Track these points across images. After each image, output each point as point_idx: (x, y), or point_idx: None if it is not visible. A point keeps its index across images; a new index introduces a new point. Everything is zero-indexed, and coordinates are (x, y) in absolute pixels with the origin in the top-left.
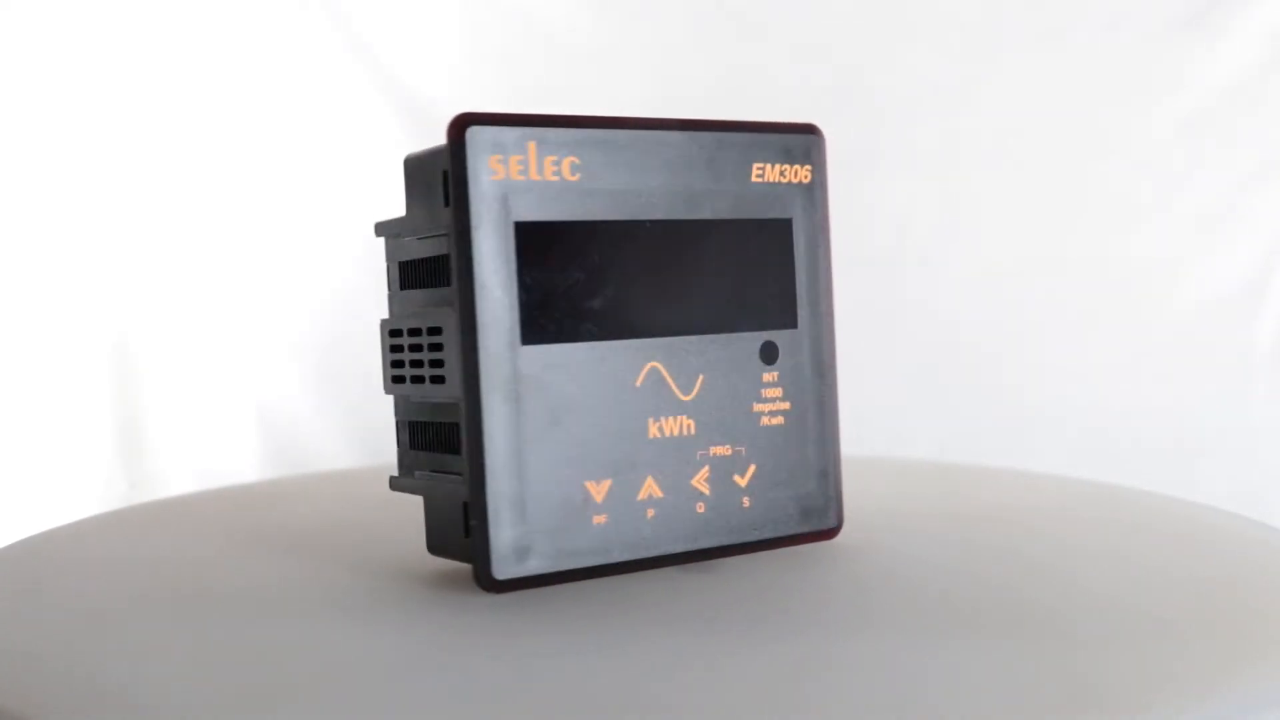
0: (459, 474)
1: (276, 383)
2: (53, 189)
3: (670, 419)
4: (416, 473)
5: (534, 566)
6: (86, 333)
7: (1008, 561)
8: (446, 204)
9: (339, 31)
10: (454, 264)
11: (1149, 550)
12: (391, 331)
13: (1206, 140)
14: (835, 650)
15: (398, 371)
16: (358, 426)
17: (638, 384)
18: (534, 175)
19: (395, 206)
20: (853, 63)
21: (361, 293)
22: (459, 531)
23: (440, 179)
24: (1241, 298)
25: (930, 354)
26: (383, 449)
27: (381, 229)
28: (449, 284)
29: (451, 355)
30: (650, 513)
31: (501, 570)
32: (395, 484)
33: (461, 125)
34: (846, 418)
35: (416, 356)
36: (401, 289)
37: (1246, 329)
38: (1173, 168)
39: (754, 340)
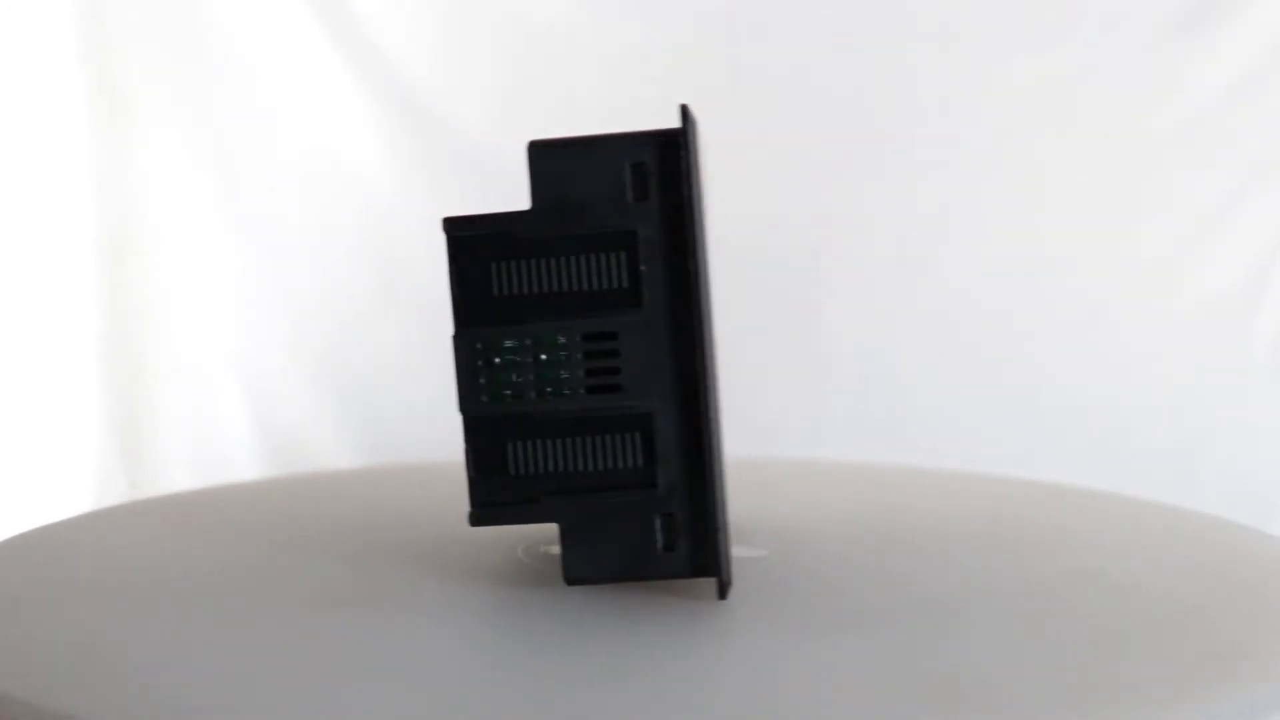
0: (649, 486)
1: (276, 383)
2: (56, 188)
3: None
4: (544, 498)
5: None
6: (87, 332)
7: (1006, 569)
8: (642, 198)
9: (339, 32)
10: (669, 262)
11: (1132, 558)
12: (493, 345)
13: (1206, 141)
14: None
15: (502, 388)
16: (358, 426)
17: None
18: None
19: (398, 206)
20: (852, 63)
21: (361, 291)
22: (646, 548)
23: (630, 169)
24: (1241, 298)
25: (929, 355)
26: (381, 449)
27: (463, 225)
28: (621, 285)
29: (647, 361)
30: None
31: (732, 576)
32: (487, 517)
33: (690, 115)
34: (847, 419)
35: (559, 367)
36: (514, 295)
37: (1246, 329)
38: (1172, 168)
39: None
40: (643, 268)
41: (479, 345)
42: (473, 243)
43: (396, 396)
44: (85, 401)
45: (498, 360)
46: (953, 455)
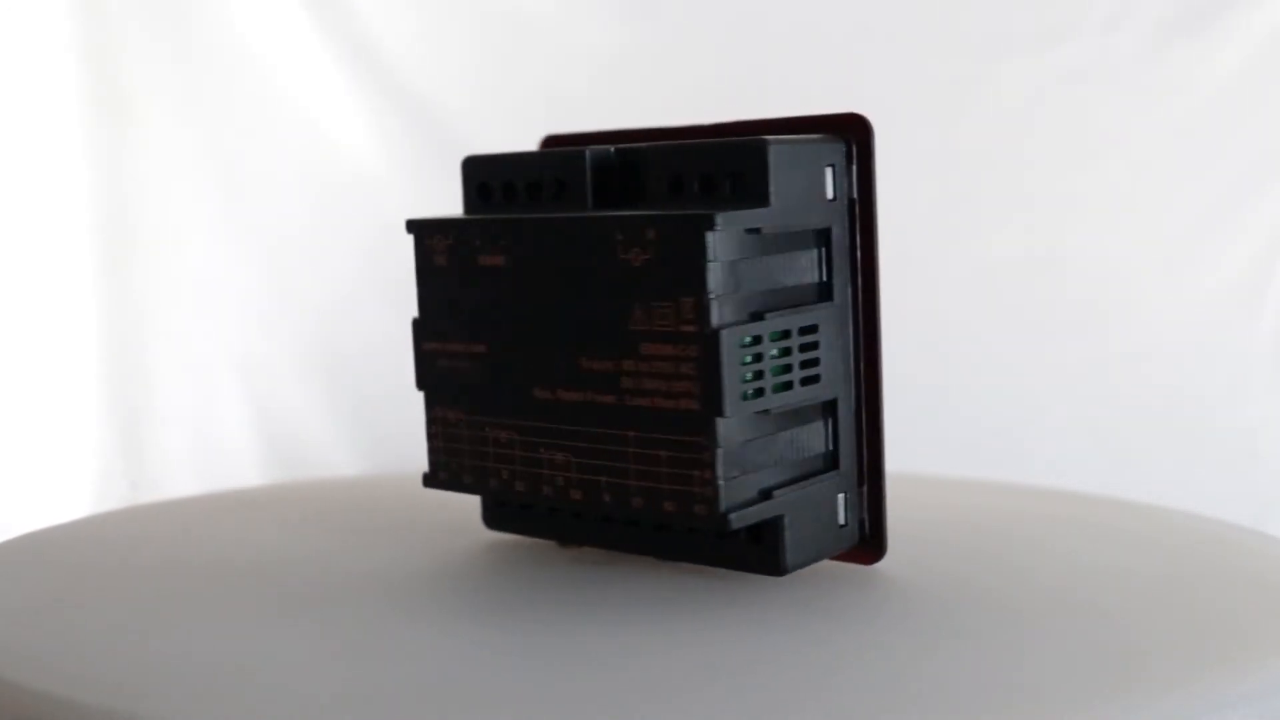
0: (834, 468)
1: (278, 384)
2: (55, 187)
3: None
4: (775, 492)
5: None
6: (87, 332)
7: (1002, 571)
8: (833, 198)
9: (339, 32)
10: (854, 257)
11: (1125, 560)
12: (750, 344)
13: (1206, 140)
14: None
15: (753, 385)
16: (361, 427)
17: None
18: None
19: (403, 206)
20: (852, 62)
21: (363, 290)
22: (831, 526)
23: (827, 170)
24: (1241, 298)
25: (928, 355)
26: (384, 450)
27: (719, 221)
28: (817, 279)
29: (836, 350)
30: None
31: None
32: (738, 520)
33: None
34: None
35: (783, 362)
36: (749, 292)
37: (1246, 329)
38: (1172, 168)
39: None
40: (835, 263)
41: (745, 343)
42: (727, 239)
43: (400, 398)
44: (85, 401)
45: (752, 359)
46: (950, 458)
